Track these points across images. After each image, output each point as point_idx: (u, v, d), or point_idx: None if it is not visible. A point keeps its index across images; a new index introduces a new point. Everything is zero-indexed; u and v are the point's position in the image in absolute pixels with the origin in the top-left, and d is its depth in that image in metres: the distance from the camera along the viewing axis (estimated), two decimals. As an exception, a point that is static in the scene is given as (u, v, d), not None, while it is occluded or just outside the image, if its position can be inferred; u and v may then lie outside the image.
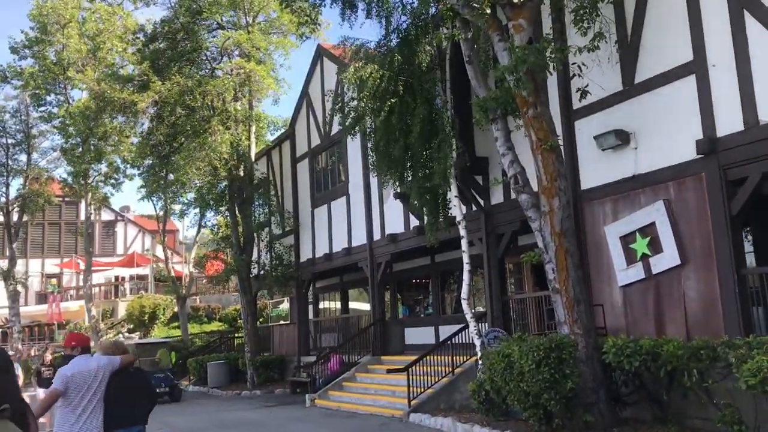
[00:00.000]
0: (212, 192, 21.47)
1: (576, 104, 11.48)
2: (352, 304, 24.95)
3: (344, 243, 19.73)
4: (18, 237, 32.14)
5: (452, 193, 13.09)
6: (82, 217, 53.25)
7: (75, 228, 51.65)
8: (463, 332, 13.63)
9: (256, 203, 22.39)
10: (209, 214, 23.18)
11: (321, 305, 26.66)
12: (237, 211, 22.20)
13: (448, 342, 13.81)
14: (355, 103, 13.86)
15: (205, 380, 23.74)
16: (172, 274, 29.62)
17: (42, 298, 48.18)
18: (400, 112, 12.62)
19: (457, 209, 12.98)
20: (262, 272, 23.38)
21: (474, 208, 13.93)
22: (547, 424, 9.39)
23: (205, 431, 13.75)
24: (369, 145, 14.59)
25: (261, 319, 26.98)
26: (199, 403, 19.25)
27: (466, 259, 12.32)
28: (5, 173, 31.18)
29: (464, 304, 12.17)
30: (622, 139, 10.54)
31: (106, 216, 52.96)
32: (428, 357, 13.76)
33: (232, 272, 22.45)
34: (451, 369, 13.63)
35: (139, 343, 21.69)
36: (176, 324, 35.94)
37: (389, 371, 14.01)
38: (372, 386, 16.10)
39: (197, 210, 23.40)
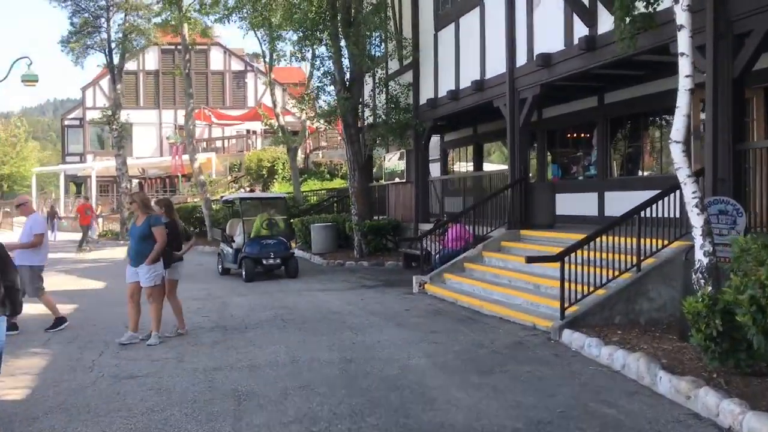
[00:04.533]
0: (311, 7, 16.37)
1: None
2: (490, 167, 19.88)
3: (475, 74, 14.31)
4: (121, 79, 29.18)
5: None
6: (212, 66, 51.43)
7: (205, 78, 49.54)
8: (664, 200, 8.31)
9: (366, 28, 17.08)
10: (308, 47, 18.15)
11: (451, 164, 21.77)
12: (341, 37, 17.15)
13: (635, 215, 8.49)
14: None
15: (311, 244, 20.01)
16: (282, 122, 25.55)
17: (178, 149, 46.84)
18: None
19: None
20: (371, 118, 18.57)
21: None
22: None
23: (246, 328, 9.63)
24: None
25: (378, 177, 22.58)
26: (281, 274, 15.40)
27: (685, 68, 6.64)
28: (105, 8, 27.76)
29: (676, 151, 6.67)
30: None
31: (236, 66, 50.25)
32: (596, 238, 8.57)
33: (332, 114, 17.75)
34: (634, 260, 8.42)
35: (242, 198, 17.46)
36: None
37: (530, 260, 8.98)
38: (504, 272, 11.25)
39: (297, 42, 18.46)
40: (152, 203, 9.22)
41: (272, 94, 26.15)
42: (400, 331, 8.89)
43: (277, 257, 15.09)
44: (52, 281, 12.79)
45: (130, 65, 46.95)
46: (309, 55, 18.31)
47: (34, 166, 44.44)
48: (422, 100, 17.15)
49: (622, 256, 8.52)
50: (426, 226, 15.88)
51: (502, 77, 13.24)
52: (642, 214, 8.55)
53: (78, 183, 45.59)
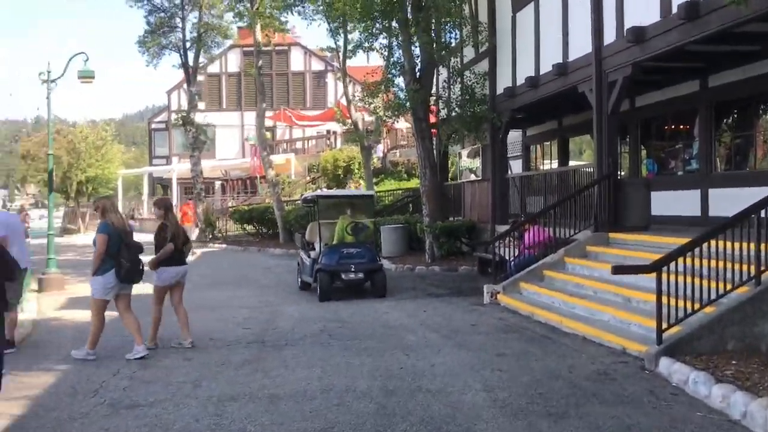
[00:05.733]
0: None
1: None
2: (578, 164, 18.14)
3: (556, 57, 12.70)
4: (195, 80, 29.00)
5: None
6: (293, 67, 51.34)
7: (286, 79, 49.51)
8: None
9: (438, 13, 15.68)
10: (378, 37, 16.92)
11: (535, 161, 20.12)
12: (411, 24, 15.87)
13: (753, 215, 6.81)
14: None
15: (380, 247, 18.80)
16: (354, 119, 24.52)
17: (257, 150, 46.90)
18: None
19: None
20: (444, 111, 17.17)
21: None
22: None
23: (286, 344, 8.52)
24: None
25: (453, 176, 21.16)
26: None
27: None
28: (180, 6, 27.59)
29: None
30: None
31: (317, 66, 49.97)
32: (702, 244, 6.92)
33: (401, 107, 16.45)
34: (752, 270, 6.74)
35: (321, 196, 14.06)
36: (374, 180, 31.75)
37: (617, 271, 7.40)
38: (589, 282, 9.66)
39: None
40: (154, 203, 8.29)
41: (345, 90, 25.16)
42: (459, 353, 7.51)
43: (360, 271, 12.05)
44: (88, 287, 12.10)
45: (213, 68, 47.56)
46: (377, 44, 17.07)
47: (119, 168, 45.47)
48: (499, 90, 15.62)
49: (736, 266, 6.84)
50: (504, 228, 14.36)
51: (587, 58, 11.60)
52: (762, 213, 6.85)
53: (164, 185, 46.38)
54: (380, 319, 9.82)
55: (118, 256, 7.55)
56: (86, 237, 34.21)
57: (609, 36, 11.01)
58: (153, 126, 50.46)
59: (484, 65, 16.50)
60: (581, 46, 11.81)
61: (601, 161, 11.41)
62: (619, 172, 12.00)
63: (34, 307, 11.83)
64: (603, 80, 11.21)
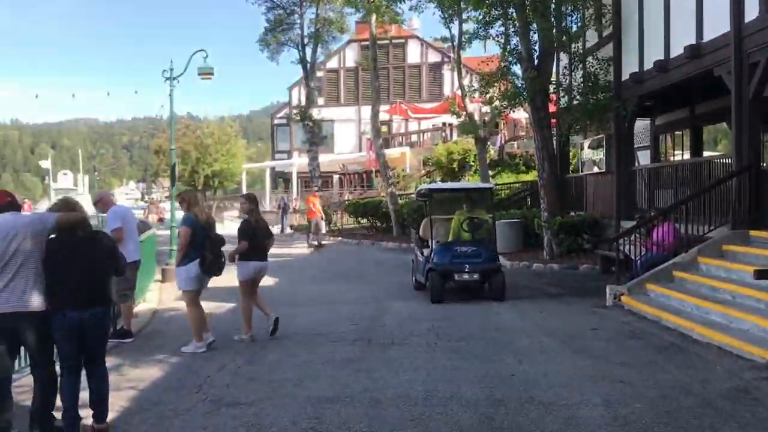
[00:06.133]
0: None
1: None
2: (712, 155, 16.81)
3: (688, 38, 11.62)
4: (313, 75, 29.43)
5: None
6: (410, 60, 51.28)
7: (403, 72, 49.56)
8: None
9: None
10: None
11: (664, 152, 18.82)
12: (529, 10, 15.16)
13: None
14: None
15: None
16: (470, 110, 23.92)
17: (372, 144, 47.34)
18: None
19: None
20: (565, 99, 16.29)
21: None
22: None
23: (392, 343, 8.22)
24: None
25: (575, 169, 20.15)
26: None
27: None
28: (299, 2, 28.09)
29: None
30: None
31: (433, 58, 49.64)
32: None
33: (517, 96, 15.71)
34: None
35: (433, 189, 13.48)
36: (491, 173, 31.01)
37: (761, 275, 6.54)
38: (726, 285, 8.71)
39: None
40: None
41: (459, 81, 24.63)
42: (577, 360, 6.93)
43: (475, 271, 11.00)
44: (221, 277, 12.31)
45: (332, 63, 48.36)
46: (492, 32, 16.44)
47: (242, 163, 47.19)
48: (624, 76, 14.59)
49: None
50: (629, 224, 13.39)
51: (724, 38, 10.50)
52: None
53: (285, 179, 47.72)
54: (492, 319, 9.34)
55: (202, 249, 7.65)
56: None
57: (751, 12, 9.90)
58: (275, 121, 51.98)
59: (608, 50, 15.47)
60: (717, 24, 10.73)
61: (740, 151, 10.30)
62: (761, 164, 10.81)
63: (155, 297, 12.28)
64: (743, 62, 10.10)
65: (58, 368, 5.04)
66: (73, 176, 77.92)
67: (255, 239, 8.28)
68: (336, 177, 45.76)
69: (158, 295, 12.55)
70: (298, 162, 42.67)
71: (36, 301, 4.78)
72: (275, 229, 33.22)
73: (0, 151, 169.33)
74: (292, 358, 7.33)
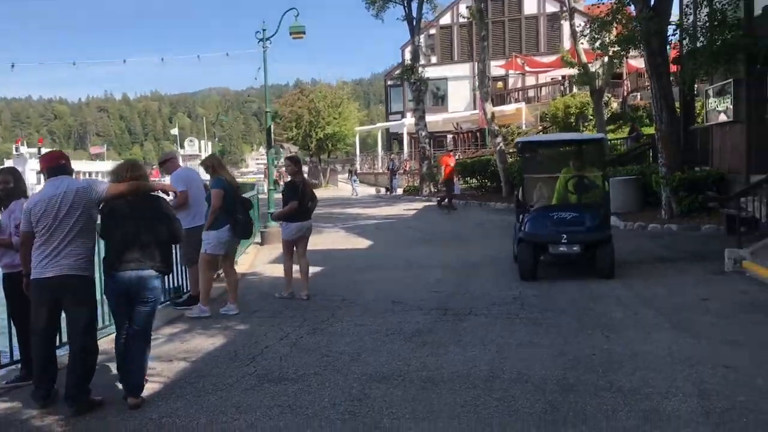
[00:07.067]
0: None
1: None
2: None
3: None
4: (419, 30, 28.52)
5: None
6: (526, 11, 48.96)
7: (519, 25, 47.48)
8: None
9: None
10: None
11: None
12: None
13: None
14: None
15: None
16: (582, 58, 22.23)
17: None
18: None
19: None
20: (687, 42, 14.56)
21: None
22: None
23: (470, 313, 7.53)
24: None
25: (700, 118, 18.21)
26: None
27: None
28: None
29: None
30: None
31: (551, 8, 47.09)
32: None
33: (632, 39, 14.17)
34: None
35: (529, 142, 11.32)
36: (611, 126, 29.03)
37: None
38: None
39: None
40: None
41: (572, 29, 22.94)
42: (676, 336, 5.99)
43: (576, 242, 8.94)
44: (316, 240, 12.11)
45: (445, 19, 47.03)
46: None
47: (355, 125, 47.26)
48: (757, 10, 12.82)
49: None
50: (760, 177, 11.80)
51: None
52: None
53: (399, 140, 47.39)
54: (585, 288, 8.40)
55: (234, 212, 7.64)
56: (326, 191, 36.18)
57: None
58: (389, 82, 51.57)
59: (738, -17, 13.62)
60: None
61: None
62: None
63: (249, 260, 12.24)
64: None
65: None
66: (197, 143, 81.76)
67: (299, 200, 8.33)
68: (450, 137, 44.83)
69: (252, 258, 12.50)
70: (409, 122, 42.13)
71: (83, 266, 4.84)
72: (383, 191, 33.39)
73: (142, 121, 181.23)
74: (359, 327, 6.88)
